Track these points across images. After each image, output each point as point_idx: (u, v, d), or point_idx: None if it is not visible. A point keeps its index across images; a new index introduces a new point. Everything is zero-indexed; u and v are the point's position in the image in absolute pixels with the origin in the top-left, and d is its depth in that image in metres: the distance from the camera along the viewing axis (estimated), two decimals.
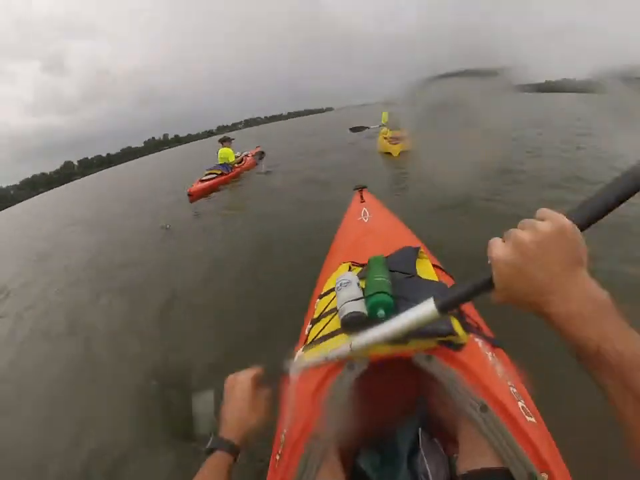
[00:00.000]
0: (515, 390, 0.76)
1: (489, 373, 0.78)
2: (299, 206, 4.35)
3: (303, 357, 0.85)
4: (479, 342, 0.85)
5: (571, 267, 0.35)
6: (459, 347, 0.78)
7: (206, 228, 4.33)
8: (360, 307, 0.80)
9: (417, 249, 1.08)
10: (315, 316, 0.99)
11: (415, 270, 0.97)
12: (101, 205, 9.21)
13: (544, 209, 0.38)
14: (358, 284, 0.85)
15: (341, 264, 1.16)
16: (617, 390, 0.31)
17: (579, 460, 0.69)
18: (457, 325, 0.79)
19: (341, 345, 0.65)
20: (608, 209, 0.37)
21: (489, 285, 0.39)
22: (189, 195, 5.81)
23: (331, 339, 0.84)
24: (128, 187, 11.84)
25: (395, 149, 5.93)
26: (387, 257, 1.01)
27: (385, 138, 6.41)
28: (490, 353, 0.84)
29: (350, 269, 1.08)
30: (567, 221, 0.35)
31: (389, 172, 5.70)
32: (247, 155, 7.89)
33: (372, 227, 1.61)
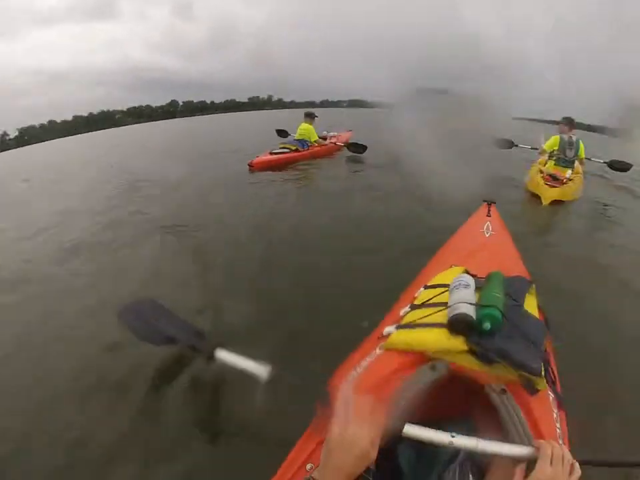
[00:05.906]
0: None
1: (550, 428, 0.76)
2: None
3: (395, 334, 0.91)
4: (551, 396, 0.84)
5: None
6: (534, 391, 0.78)
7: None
8: (472, 311, 0.85)
9: (531, 283, 1.06)
10: (417, 302, 1.03)
11: (523, 301, 0.96)
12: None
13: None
14: (474, 291, 0.90)
15: (452, 266, 1.19)
16: None
17: None
18: (542, 370, 0.79)
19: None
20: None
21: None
22: (250, 166, 5.25)
23: (430, 329, 0.88)
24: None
25: (547, 195, 3.96)
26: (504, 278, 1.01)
27: (541, 172, 4.41)
28: (556, 410, 0.83)
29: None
30: None
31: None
32: (333, 137, 6.50)
33: (491, 243, 1.53)
